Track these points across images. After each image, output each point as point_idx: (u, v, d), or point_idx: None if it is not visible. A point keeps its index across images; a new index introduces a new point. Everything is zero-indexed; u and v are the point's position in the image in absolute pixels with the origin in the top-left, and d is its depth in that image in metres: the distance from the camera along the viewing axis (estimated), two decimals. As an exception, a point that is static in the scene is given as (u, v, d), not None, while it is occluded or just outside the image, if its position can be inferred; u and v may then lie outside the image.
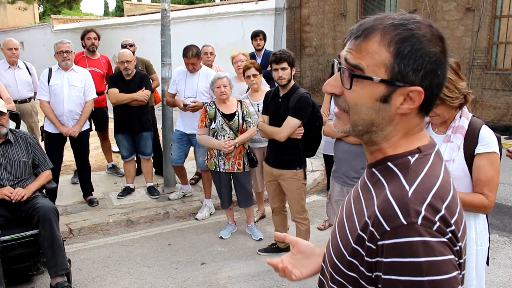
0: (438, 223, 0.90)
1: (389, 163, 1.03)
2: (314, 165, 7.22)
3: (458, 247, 0.93)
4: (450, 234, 0.91)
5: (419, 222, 0.89)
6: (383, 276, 0.91)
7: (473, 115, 2.33)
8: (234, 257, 4.49)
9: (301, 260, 1.39)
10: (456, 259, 0.92)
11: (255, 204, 5.34)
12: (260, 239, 4.79)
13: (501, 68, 9.44)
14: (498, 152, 2.24)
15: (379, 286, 0.94)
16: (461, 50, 9.65)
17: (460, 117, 2.29)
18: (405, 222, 0.89)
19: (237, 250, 4.64)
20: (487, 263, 2.41)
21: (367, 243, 0.95)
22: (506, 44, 9.31)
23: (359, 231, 0.99)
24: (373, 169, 1.07)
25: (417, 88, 0.96)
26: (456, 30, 9.74)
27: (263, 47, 6.76)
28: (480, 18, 9.29)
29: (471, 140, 2.24)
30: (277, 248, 4.51)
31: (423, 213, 0.90)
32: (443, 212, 0.92)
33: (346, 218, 1.08)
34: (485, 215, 2.36)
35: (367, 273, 0.96)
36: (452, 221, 0.93)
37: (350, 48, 1.01)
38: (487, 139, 2.22)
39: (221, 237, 4.88)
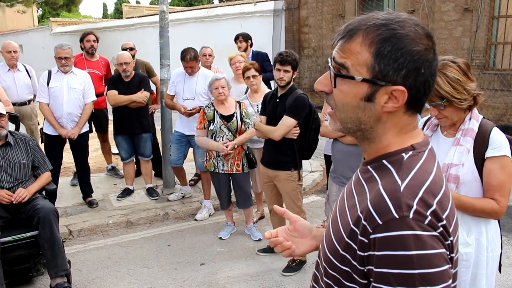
0: (429, 217, 0.92)
1: (383, 161, 1.05)
2: (313, 165, 7.24)
3: (449, 241, 0.95)
4: (441, 229, 0.93)
5: (411, 216, 0.91)
6: (375, 269, 0.93)
7: (483, 117, 2.24)
8: (233, 258, 4.50)
9: (295, 238, 1.41)
10: (448, 253, 0.94)
11: (254, 204, 5.35)
12: (259, 240, 4.81)
13: (500, 68, 9.45)
14: (510, 156, 2.15)
15: (371, 279, 0.95)
16: (459, 51, 9.66)
17: (470, 119, 2.20)
18: (397, 216, 0.91)
19: (236, 250, 4.66)
20: (500, 269, 2.35)
21: (359, 237, 0.97)
22: (504, 44, 9.33)
23: (351, 226, 1.00)
24: (368, 166, 1.09)
25: (399, 87, 0.98)
26: (454, 31, 9.76)
27: (245, 48, 6.81)
28: (478, 18, 9.31)
29: (481, 143, 2.15)
30: (276, 248, 4.52)
31: (414, 207, 0.92)
32: (434, 207, 0.94)
33: (339, 213, 1.10)
34: (497, 221, 2.28)
35: (359, 267, 0.98)
36: (444, 216, 0.95)
37: (337, 48, 1.04)
38: (498, 142, 2.13)
39: (220, 238, 4.89)
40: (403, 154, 1.03)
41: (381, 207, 0.94)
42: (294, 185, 4.06)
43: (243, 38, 6.84)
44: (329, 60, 1.07)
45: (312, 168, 7.13)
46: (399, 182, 0.97)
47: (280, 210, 1.48)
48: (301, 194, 4.21)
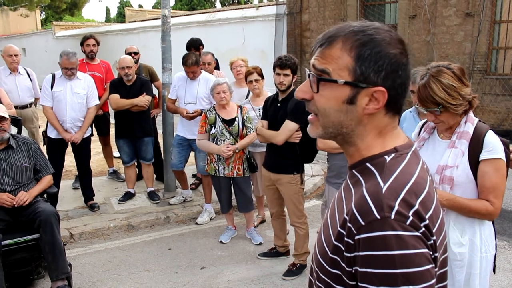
0: (411, 218, 0.94)
1: (367, 164, 1.08)
2: (314, 170, 7.24)
3: (432, 241, 0.97)
4: (423, 229, 0.95)
5: (393, 216, 0.93)
6: (359, 269, 0.95)
7: (479, 120, 2.28)
8: (234, 262, 4.50)
9: None
10: (431, 253, 0.96)
11: (255, 208, 5.35)
12: (260, 244, 4.81)
13: (501, 73, 9.46)
14: (504, 159, 2.18)
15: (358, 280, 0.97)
16: (461, 55, 9.68)
17: (466, 122, 2.24)
18: (378, 217, 0.93)
19: (237, 254, 4.66)
20: (494, 270, 2.37)
21: (345, 238, 0.99)
22: (506, 49, 9.34)
23: (339, 228, 1.03)
24: (353, 170, 1.12)
25: (379, 88, 1.01)
26: (456, 36, 9.77)
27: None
28: (480, 23, 9.33)
29: (476, 145, 2.19)
30: (277, 252, 4.53)
31: (396, 208, 0.94)
32: (416, 207, 0.96)
33: (330, 218, 1.13)
34: (491, 222, 2.32)
35: (347, 269, 1.00)
36: (427, 216, 0.96)
37: (317, 56, 1.07)
38: (492, 145, 2.17)
39: (221, 242, 4.89)
40: (386, 157, 1.06)
41: (363, 208, 0.97)
42: (296, 189, 4.06)
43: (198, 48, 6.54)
44: (307, 69, 1.10)
45: (313, 172, 7.13)
46: (381, 184, 0.99)
47: None
48: (303, 197, 4.22)
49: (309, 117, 1.14)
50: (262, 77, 4.79)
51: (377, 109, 1.04)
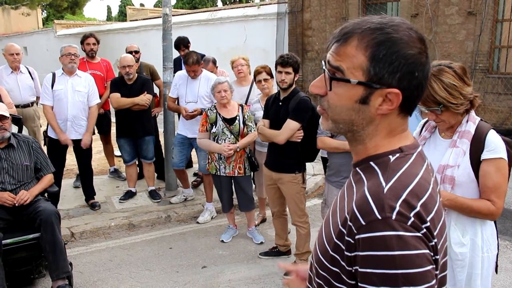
0: (412, 219, 0.93)
1: (371, 162, 1.07)
2: (316, 169, 7.23)
3: (433, 243, 0.96)
4: (425, 230, 0.94)
5: (394, 217, 0.92)
6: (359, 270, 0.94)
7: (481, 119, 2.26)
8: (235, 261, 4.50)
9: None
10: (432, 254, 0.95)
11: (256, 207, 5.34)
12: (261, 243, 4.80)
13: (503, 72, 9.42)
14: (506, 158, 2.17)
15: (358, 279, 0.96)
16: (463, 54, 9.64)
17: (467, 121, 2.23)
18: (379, 217, 0.92)
19: (238, 253, 4.65)
20: (496, 270, 2.36)
21: (346, 237, 0.98)
22: (508, 48, 9.30)
23: (340, 226, 1.02)
24: (357, 168, 1.11)
25: (394, 90, 0.99)
26: (458, 34, 9.73)
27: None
28: (482, 22, 9.29)
29: (477, 145, 2.18)
30: (278, 251, 4.52)
31: (397, 208, 0.93)
32: (418, 208, 0.94)
33: (331, 215, 1.12)
34: (493, 222, 2.31)
35: (347, 268, 0.99)
36: (428, 219, 0.95)
37: (332, 51, 1.05)
38: (494, 145, 2.16)
39: (222, 241, 4.89)
40: (390, 156, 1.04)
41: (364, 208, 0.96)
42: (298, 188, 4.05)
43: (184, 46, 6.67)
44: (323, 63, 1.08)
45: (314, 171, 7.12)
46: (383, 183, 0.98)
47: (283, 266, 1.58)
48: (305, 197, 4.21)
49: (318, 108, 1.13)
50: (272, 76, 4.69)
51: (390, 110, 1.02)
